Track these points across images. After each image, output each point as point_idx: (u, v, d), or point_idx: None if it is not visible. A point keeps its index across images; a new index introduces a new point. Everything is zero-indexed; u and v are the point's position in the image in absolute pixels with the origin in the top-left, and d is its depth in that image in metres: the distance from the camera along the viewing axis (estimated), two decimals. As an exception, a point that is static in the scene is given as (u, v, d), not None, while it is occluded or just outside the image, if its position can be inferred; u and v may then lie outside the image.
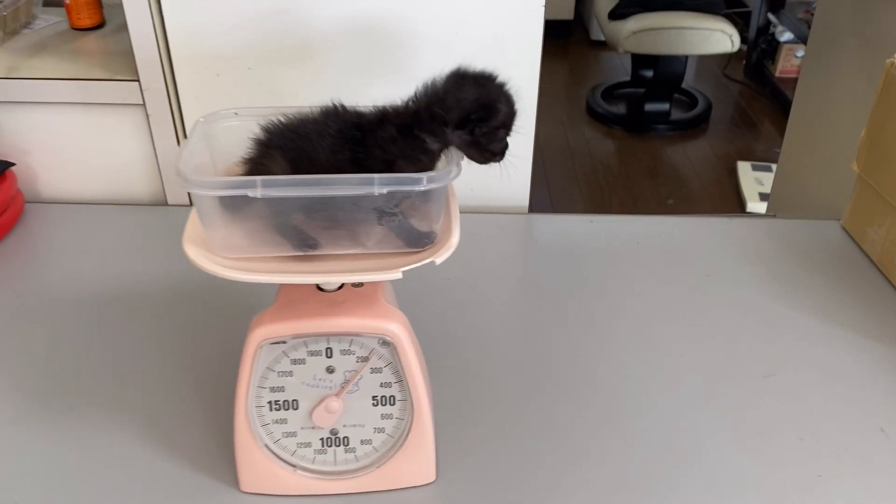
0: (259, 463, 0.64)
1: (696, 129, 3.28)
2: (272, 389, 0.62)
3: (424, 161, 0.57)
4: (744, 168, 2.83)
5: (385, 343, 0.61)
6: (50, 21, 1.15)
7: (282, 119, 0.59)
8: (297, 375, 0.62)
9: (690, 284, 0.92)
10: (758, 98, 3.55)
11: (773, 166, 2.85)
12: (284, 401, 0.62)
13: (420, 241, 0.58)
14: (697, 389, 0.77)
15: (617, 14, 2.98)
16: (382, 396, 0.63)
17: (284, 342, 0.60)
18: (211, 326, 0.83)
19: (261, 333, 0.60)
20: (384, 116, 0.58)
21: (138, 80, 0.96)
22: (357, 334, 0.60)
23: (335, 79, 0.98)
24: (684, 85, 3.33)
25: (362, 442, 0.64)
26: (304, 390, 0.62)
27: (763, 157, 3.02)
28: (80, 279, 0.92)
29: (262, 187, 0.53)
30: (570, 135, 3.21)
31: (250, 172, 0.58)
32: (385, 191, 0.53)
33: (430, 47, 0.96)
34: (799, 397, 0.76)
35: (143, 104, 0.98)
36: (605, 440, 0.71)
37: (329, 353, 0.61)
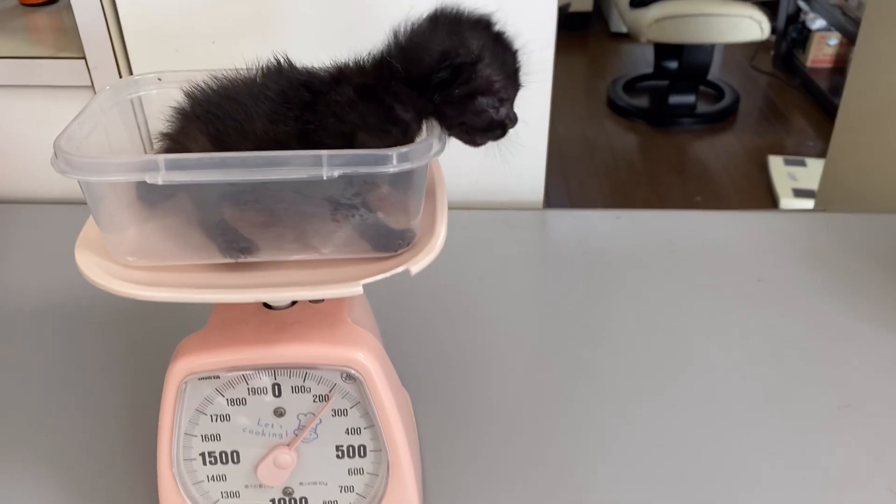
0: (191, 531, 0.49)
1: (724, 122, 3.11)
2: (205, 438, 0.47)
3: (395, 134, 0.42)
4: (775, 163, 2.65)
5: (350, 377, 0.46)
6: (-2, -2, 1.01)
7: (211, 82, 0.44)
8: (237, 420, 0.47)
9: (738, 292, 0.77)
10: (788, 89, 3.37)
11: (808, 160, 2.69)
12: (222, 452, 0.48)
13: (391, 242, 0.43)
14: (755, 427, 0.62)
15: (638, 2, 2.82)
16: (350, 446, 0.48)
17: (217, 377, 0.46)
18: (148, 351, 0.68)
19: (185, 366, 0.45)
20: (341, 74, 0.43)
21: (84, 58, 0.82)
22: (312, 366, 0.45)
23: (315, 53, 0.83)
24: (710, 77, 3.16)
25: (325, 504, 0.50)
26: (246, 439, 0.47)
27: (795, 150, 2.84)
28: (6, 289, 0.78)
29: (164, 170, 0.38)
30: (589, 129, 3.05)
31: (166, 151, 0.44)
32: (337, 173, 0.38)
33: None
34: (884, 435, 0.61)
35: (92, 86, 0.84)
36: (640, 486, 0.56)
37: (277, 390, 0.46)
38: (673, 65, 3.11)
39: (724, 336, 0.71)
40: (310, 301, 0.48)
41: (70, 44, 0.86)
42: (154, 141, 0.45)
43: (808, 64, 3.27)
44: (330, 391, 0.46)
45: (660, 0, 2.76)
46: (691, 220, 0.91)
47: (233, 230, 0.42)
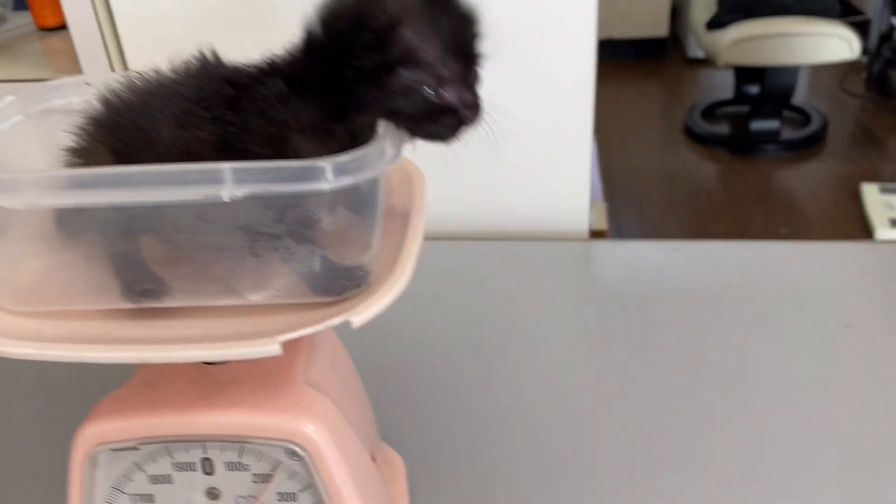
0: None
1: (811, 148, 2.91)
2: (126, 523, 0.38)
3: (339, 136, 0.32)
4: (870, 191, 2.44)
5: (294, 455, 0.36)
6: (19, 23, 0.98)
7: (129, 84, 0.36)
8: (162, 500, 0.38)
9: (819, 338, 0.64)
10: (882, 113, 3.14)
11: (907, 188, 2.48)
12: (146, 541, 0.39)
13: (332, 283, 0.33)
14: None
15: (716, 23, 2.67)
16: (301, 539, 0.38)
17: (135, 448, 0.37)
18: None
19: (94, 433, 0.36)
20: (272, 66, 0.34)
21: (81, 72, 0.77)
22: (245, 439, 0.36)
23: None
24: (795, 101, 2.97)
25: None
26: (175, 526, 0.38)
27: (892, 177, 2.62)
28: None
29: (24, 188, 0.29)
30: (666, 158, 2.91)
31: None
32: (243, 192, 0.29)
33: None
34: None
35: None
36: None
37: (208, 467, 0.37)
38: (754, 89, 2.93)
39: (804, 397, 0.58)
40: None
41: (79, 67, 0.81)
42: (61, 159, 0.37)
43: (906, 85, 3.04)
44: (272, 470, 0.37)
45: (738, 21, 2.61)
46: (765, 252, 0.78)
47: (138, 267, 0.33)
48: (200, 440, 0.36)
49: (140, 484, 0.38)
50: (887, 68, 3.12)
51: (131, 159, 0.33)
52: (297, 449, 0.36)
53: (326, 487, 0.36)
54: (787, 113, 2.93)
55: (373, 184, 0.32)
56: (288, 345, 0.39)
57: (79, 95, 0.41)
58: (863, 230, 2.37)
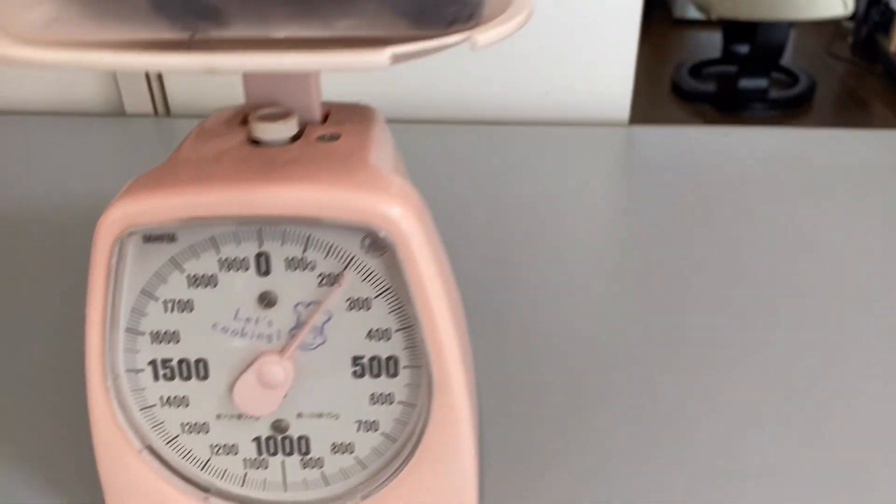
0: (137, 480, 0.33)
1: (798, 109, 2.88)
2: (156, 337, 0.31)
3: None
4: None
5: (376, 244, 0.29)
6: None
7: None
8: (204, 309, 0.31)
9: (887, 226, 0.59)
10: (868, 77, 3.12)
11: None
12: (182, 362, 0.32)
13: (442, 8, 0.26)
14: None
15: (709, -25, 2.62)
16: (374, 359, 0.31)
17: (172, 236, 0.30)
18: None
19: (122, 215, 0.29)
20: None
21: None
22: (317, 220, 0.29)
23: None
24: (783, 63, 2.94)
25: (335, 449, 0.33)
26: (218, 341, 0.31)
27: (877, 141, 2.60)
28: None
29: None
30: (651, 115, 2.86)
31: None
32: None
33: None
34: None
35: None
36: (748, 467, 0.39)
37: (264, 264, 0.30)
38: (743, 48, 2.89)
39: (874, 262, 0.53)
40: (318, 138, 0.32)
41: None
42: None
43: (893, 49, 3.02)
44: (344, 267, 0.30)
45: (733, -27, 2.56)
46: (826, 138, 0.73)
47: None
48: (257, 222, 0.29)
49: (176, 287, 0.30)
50: (875, 32, 3.10)
51: None
52: (381, 233, 0.29)
53: (412, 288, 0.29)
54: (774, 74, 2.89)
55: None
56: (355, 133, 0.32)
57: None
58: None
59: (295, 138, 0.32)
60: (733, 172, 0.67)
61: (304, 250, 0.30)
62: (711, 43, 3.29)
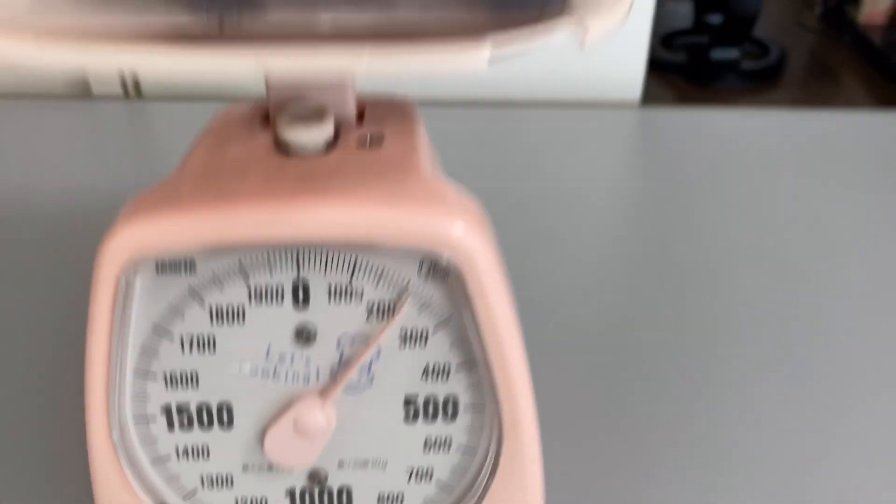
0: (150, 544, 0.28)
1: (769, 80, 2.87)
2: (171, 381, 0.26)
3: None
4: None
5: (437, 270, 0.25)
6: None
7: None
8: (228, 347, 0.26)
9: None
10: (836, 47, 3.13)
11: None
12: (201, 407, 0.27)
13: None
14: None
15: (682, -56, 2.58)
16: (430, 399, 0.27)
17: (191, 265, 0.25)
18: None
19: (127, 241, 0.24)
20: None
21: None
22: (370, 245, 0.24)
23: None
24: (753, 33, 2.92)
25: (382, 501, 0.28)
26: (245, 384, 0.26)
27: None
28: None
29: None
30: (623, 87, 2.82)
31: None
32: None
33: None
34: None
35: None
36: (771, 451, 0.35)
37: (302, 294, 0.25)
38: (715, 19, 2.87)
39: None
40: (357, 145, 0.27)
41: None
42: None
43: (861, 20, 3.03)
44: (398, 297, 0.25)
45: (706, -59, 2.52)
46: (852, 120, 0.69)
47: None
48: (292, 247, 0.24)
49: (196, 322, 0.25)
50: (843, 2, 3.10)
51: None
52: (445, 256, 0.24)
53: (479, 319, 0.25)
54: (746, 45, 2.88)
55: None
56: (400, 136, 0.27)
57: None
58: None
59: (331, 143, 0.27)
60: (751, 156, 0.63)
61: (351, 278, 0.25)
62: (681, 13, 3.26)
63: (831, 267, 0.50)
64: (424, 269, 0.25)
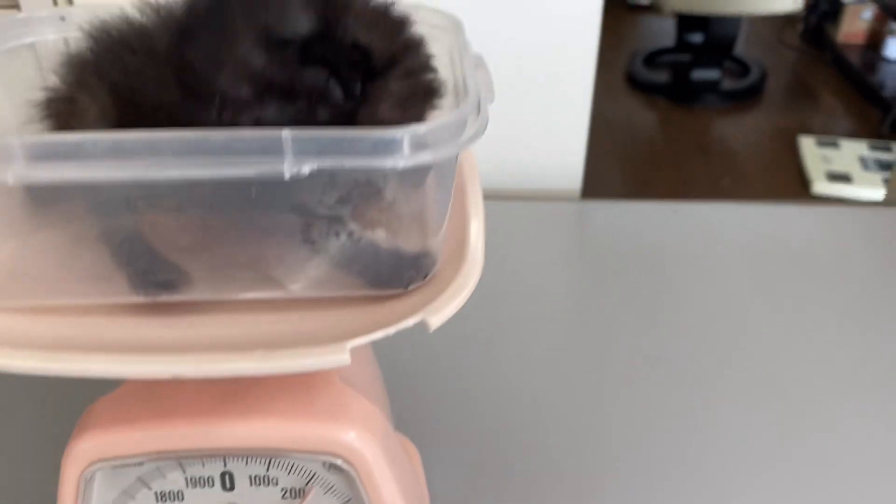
0: None
1: (750, 100, 2.94)
2: (126, 546, 0.33)
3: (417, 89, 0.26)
4: (807, 144, 2.49)
5: (334, 468, 0.31)
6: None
7: (134, 14, 0.29)
8: (172, 522, 0.32)
9: (823, 303, 0.62)
10: (816, 65, 3.19)
11: (842, 142, 2.52)
12: (151, 565, 0.33)
13: (397, 274, 0.27)
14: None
15: (663, -31, 2.64)
16: (336, 559, 0.33)
17: (140, 462, 0.31)
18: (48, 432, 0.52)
19: (87, 449, 0.30)
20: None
21: (17, 6, 0.67)
22: (279, 452, 0.30)
23: None
24: (735, 52, 2.98)
25: None
26: (185, 547, 0.33)
27: (824, 129, 2.67)
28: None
29: (23, 159, 0.23)
30: (606, 105, 2.88)
31: (52, 123, 0.28)
32: (309, 168, 0.23)
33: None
34: None
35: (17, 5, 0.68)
36: None
37: (228, 481, 0.31)
38: (697, 38, 2.93)
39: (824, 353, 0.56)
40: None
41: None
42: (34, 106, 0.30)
43: (840, 39, 3.09)
44: (307, 483, 0.31)
45: (686, -33, 2.58)
46: (770, 215, 0.75)
47: (149, 253, 0.27)
48: (221, 454, 0.31)
49: (145, 502, 0.32)
50: (823, 21, 3.16)
51: (137, 111, 0.26)
52: (339, 462, 0.30)
53: (371, 501, 0.31)
54: (727, 64, 2.93)
55: (451, 162, 0.26)
56: (314, 335, 0.33)
57: (53, 32, 0.33)
58: (799, 181, 2.42)
59: (255, 350, 0.33)
60: (683, 249, 0.69)
61: (268, 469, 0.31)
62: (665, 30, 3.31)
63: (766, 352, 0.56)
64: (326, 465, 0.31)
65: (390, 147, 0.23)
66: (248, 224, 0.25)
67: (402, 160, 0.23)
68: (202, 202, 0.24)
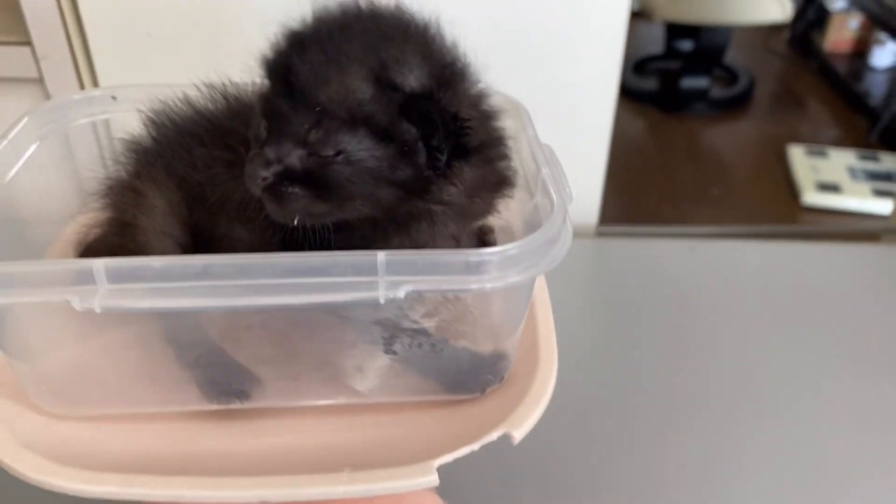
0: None
1: (738, 108, 2.95)
2: None
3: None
4: (796, 154, 2.50)
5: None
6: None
7: (191, 101, 0.28)
8: None
9: (833, 339, 0.62)
10: (803, 73, 3.21)
11: (831, 151, 2.54)
12: None
13: (474, 379, 0.27)
14: None
15: (653, -23, 2.64)
16: None
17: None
18: None
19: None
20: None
21: (31, 44, 0.65)
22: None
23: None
24: (723, 60, 3.00)
25: None
26: None
27: (811, 138, 2.69)
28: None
29: (107, 283, 0.22)
30: (596, 113, 2.88)
31: (109, 220, 0.28)
32: (405, 293, 0.22)
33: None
34: None
35: (41, 79, 0.67)
36: None
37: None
38: (686, 45, 2.94)
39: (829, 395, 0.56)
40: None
41: (13, 24, 0.69)
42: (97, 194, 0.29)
43: (826, 47, 3.11)
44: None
45: (677, -24, 2.59)
46: (786, 252, 0.75)
47: (226, 364, 0.26)
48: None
49: None
50: (809, 29, 3.18)
51: (202, 199, 0.25)
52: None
53: None
54: (715, 72, 2.95)
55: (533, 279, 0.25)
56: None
57: (105, 112, 0.32)
58: (788, 191, 2.44)
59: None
60: (701, 288, 0.69)
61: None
62: (654, 37, 3.32)
63: (778, 391, 0.56)
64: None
65: (481, 268, 0.23)
66: (331, 337, 0.25)
67: (491, 281, 0.23)
68: (288, 320, 0.24)
